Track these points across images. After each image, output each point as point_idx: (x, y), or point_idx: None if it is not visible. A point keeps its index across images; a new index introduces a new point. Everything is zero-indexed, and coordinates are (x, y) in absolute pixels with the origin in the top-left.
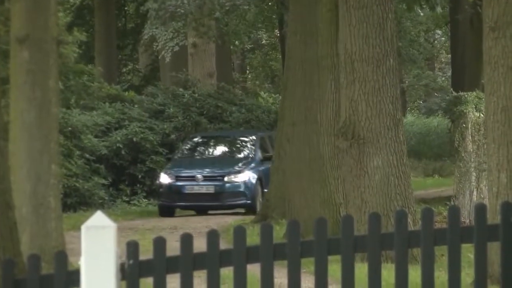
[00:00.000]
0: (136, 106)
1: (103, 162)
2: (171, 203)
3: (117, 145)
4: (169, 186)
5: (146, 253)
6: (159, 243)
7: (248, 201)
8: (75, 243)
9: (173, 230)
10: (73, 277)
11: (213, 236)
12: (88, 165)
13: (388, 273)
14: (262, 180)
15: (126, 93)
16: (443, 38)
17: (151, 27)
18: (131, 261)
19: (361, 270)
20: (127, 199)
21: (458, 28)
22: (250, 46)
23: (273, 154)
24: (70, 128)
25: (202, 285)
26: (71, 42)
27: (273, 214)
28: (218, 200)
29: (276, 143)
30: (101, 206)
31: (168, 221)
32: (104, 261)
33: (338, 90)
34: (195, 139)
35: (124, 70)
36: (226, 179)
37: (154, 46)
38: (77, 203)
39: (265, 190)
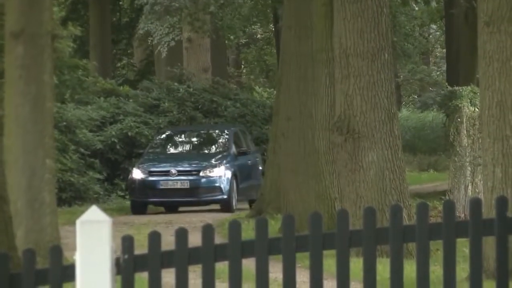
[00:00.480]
0: (131, 100)
1: (98, 157)
2: (144, 199)
3: (112, 139)
4: (142, 182)
5: (141, 248)
6: (154, 238)
7: (224, 197)
8: (70, 237)
9: (168, 225)
10: (68, 271)
11: (208, 231)
12: (83, 159)
13: (383, 267)
14: (237, 175)
15: (121, 87)
16: (438, 33)
17: (146, 22)
18: (126, 256)
19: (356, 264)
20: (122, 194)
21: (453, 22)
22: (245, 40)
23: (248, 150)
24: (65, 123)
25: (197, 279)
26: (65, 37)
27: (268, 209)
28: (194, 196)
29: (271, 138)
30: (96, 200)
31: (163, 216)
32: (99, 256)
33: (333, 85)
34: (167, 134)
35: (119, 64)
36: (201, 174)
37: (149, 41)
38: (72, 197)
39: (240, 186)
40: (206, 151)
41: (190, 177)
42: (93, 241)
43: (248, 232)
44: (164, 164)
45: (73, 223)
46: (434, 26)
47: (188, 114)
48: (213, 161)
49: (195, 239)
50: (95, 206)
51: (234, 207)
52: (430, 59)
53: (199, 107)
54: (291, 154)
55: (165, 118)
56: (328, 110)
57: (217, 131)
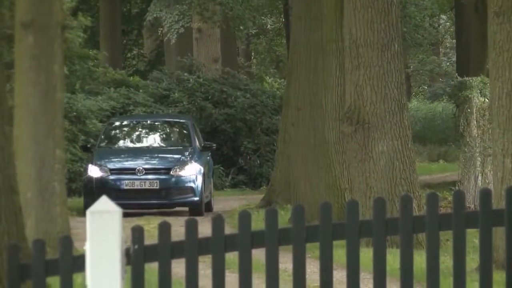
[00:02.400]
0: (141, 91)
1: None
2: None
3: None
4: (102, 181)
5: (151, 239)
6: (164, 228)
7: (196, 199)
8: (80, 228)
9: (177, 216)
10: (78, 262)
11: (218, 221)
12: None
13: (393, 258)
14: (205, 174)
15: (131, 78)
16: (447, 23)
17: (155, 9)
18: (136, 246)
19: (366, 255)
20: None
21: (463, 13)
22: (255, 31)
23: (212, 144)
24: (75, 113)
25: (207, 270)
26: (76, 27)
27: (278, 199)
28: (164, 198)
29: (281, 128)
30: None
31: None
32: (109, 246)
33: (343, 75)
34: (117, 124)
35: (129, 55)
36: (172, 172)
37: (159, 31)
38: (82, 187)
39: (210, 185)
40: (168, 146)
41: (160, 176)
42: (103, 231)
43: (258, 222)
44: (127, 161)
45: (83, 214)
46: (444, 17)
47: (198, 104)
48: (183, 157)
49: (205, 230)
50: (105, 196)
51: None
52: (440, 49)
53: (209, 97)
54: (301, 145)
55: (175, 109)
56: (338, 101)
57: (174, 122)
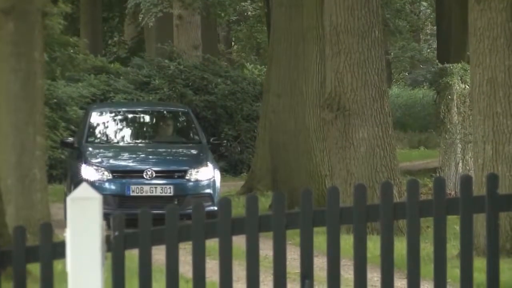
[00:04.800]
0: (121, 78)
1: None
2: (106, 209)
3: None
4: (100, 186)
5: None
6: (145, 215)
7: (214, 208)
8: (61, 214)
9: None
10: (58, 248)
11: (198, 208)
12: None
13: (373, 244)
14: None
15: (112, 65)
16: (428, 10)
17: None
18: (116, 233)
19: (347, 241)
20: None
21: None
22: (235, 18)
23: (222, 140)
24: (55, 100)
25: (187, 256)
26: (56, 14)
27: (258, 186)
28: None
29: (262, 115)
30: None
31: None
32: (89, 233)
33: (323, 62)
34: (104, 114)
35: (110, 42)
36: (188, 176)
37: (140, 18)
38: (63, 175)
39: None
40: (175, 142)
41: (174, 181)
42: (83, 218)
43: (239, 209)
44: (131, 161)
45: (63, 200)
46: (424, 3)
47: (179, 91)
48: (197, 157)
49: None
50: (85, 183)
51: None
52: (421, 36)
53: (190, 84)
54: (281, 131)
55: (155, 96)
56: (318, 87)
57: (171, 111)
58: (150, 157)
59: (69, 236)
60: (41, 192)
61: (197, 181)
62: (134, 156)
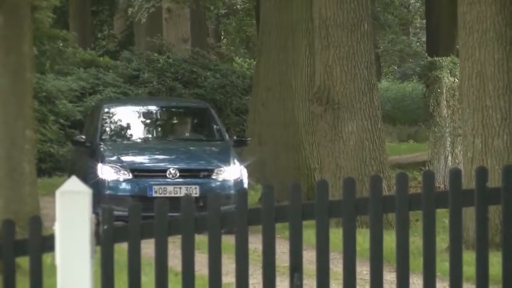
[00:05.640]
0: (111, 71)
1: (77, 127)
2: (124, 211)
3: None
4: (119, 186)
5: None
6: (134, 209)
7: None
8: (50, 208)
9: None
10: (48, 242)
11: (187, 202)
12: (63, 130)
13: (363, 238)
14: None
15: (101, 58)
16: (417, 3)
17: None
18: (105, 227)
19: (336, 235)
20: None
21: None
22: (224, 11)
23: (246, 138)
24: (44, 93)
25: (176, 250)
26: (45, 7)
27: (248, 179)
28: (202, 209)
29: (251, 108)
30: None
31: None
32: (78, 227)
33: (312, 55)
34: (117, 110)
35: (99, 35)
36: (214, 176)
37: (129, 11)
38: (52, 168)
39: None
40: (197, 140)
41: (199, 181)
42: (72, 212)
43: None
44: (152, 160)
45: (52, 194)
46: None
47: (168, 84)
48: (222, 155)
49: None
50: (74, 176)
51: None
52: (410, 29)
53: (179, 77)
54: (271, 125)
55: (145, 89)
56: (308, 81)
57: (189, 107)
58: (172, 155)
59: (58, 229)
60: (30, 185)
61: (224, 181)
62: (154, 154)
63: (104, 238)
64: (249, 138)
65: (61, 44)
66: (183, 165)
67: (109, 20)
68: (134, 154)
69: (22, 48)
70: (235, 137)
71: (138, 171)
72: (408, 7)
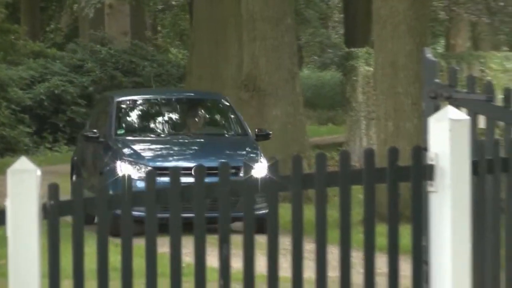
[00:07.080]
0: (57, 61)
1: (27, 112)
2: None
3: (40, 97)
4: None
5: (66, 195)
6: (77, 185)
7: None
8: (2, 186)
9: None
10: None
11: (150, 175)
12: (14, 115)
13: (285, 211)
14: None
15: (49, 49)
16: None
17: None
18: (52, 202)
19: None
20: (49, 146)
21: None
22: (161, 7)
23: (268, 131)
24: None
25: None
26: None
27: None
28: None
29: None
30: (26, 152)
31: None
32: (27, 202)
33: (241, 48)
34: (131, 103)
35: (47, 29)
36: (242, 173)
37: (75, 7)
38: (4, 149)
39: None
40: (220, 135)
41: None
42: (22, 188)
43: None
44: (175, 157)
45: (4, 173)
46: None
47: (109, 73)
48: (248, 152)
49: None
50: (24, 157)
51: None
52: (329, 23)
53: (119, 67)
54: None
55: (88, 77)
56: (236, 70)
57: (206, 99)
58: (196, 151)
59: (9, 205)
60: None
61: None
62: (176, 150)
63: (51, 212)
64: (271, 132)
65: (13, 37)
66: (209, 163)
67: (57, 15)
68: (155, 151)
69: None
70: (256, 131)
71: (161, 169)
72: (328, 1)
